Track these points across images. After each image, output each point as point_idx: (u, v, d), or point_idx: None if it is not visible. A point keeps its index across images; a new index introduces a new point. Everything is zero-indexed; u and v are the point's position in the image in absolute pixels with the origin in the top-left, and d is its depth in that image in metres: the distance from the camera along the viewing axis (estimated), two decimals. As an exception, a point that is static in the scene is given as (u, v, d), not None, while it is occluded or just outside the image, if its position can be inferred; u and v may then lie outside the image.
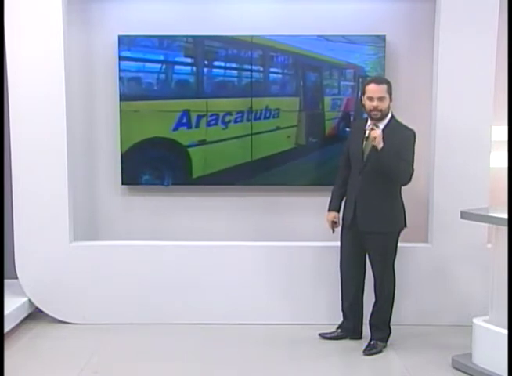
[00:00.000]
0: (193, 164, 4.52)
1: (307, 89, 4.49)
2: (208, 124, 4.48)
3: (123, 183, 4.58)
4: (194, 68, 4.45)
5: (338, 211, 4.04)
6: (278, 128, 4.50)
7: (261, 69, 4.47)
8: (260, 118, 4.48)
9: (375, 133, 3.65)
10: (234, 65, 4.46)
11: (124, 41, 4.42)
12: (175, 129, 4.49)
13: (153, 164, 4.54)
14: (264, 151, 4.52)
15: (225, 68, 4.46)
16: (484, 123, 4.26)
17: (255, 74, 4.46)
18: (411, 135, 3.78)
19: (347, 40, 4.43)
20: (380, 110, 3.72)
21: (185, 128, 4.49)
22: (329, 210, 4.05)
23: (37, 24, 4.17)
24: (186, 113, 4.47)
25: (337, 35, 4.42)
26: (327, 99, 4.49)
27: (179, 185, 4.59)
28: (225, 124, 4.49)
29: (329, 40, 4.42)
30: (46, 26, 4.17)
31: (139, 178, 4.56)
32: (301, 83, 4.49)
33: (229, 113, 4.48)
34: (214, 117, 4.48)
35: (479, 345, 3.60)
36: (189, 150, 4.51)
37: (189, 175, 4.55)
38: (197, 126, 4.48)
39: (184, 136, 4.50)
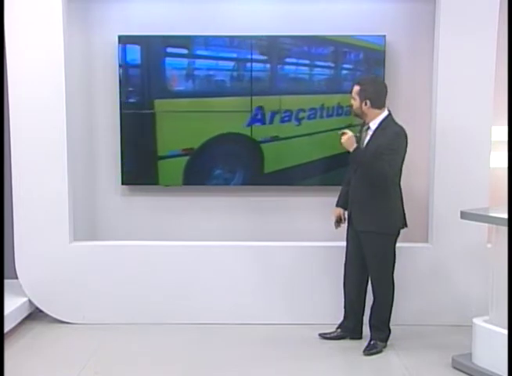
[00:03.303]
0: (265, 160, 4.52)
1: None
2: (282, 121, 4.48)
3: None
4: (268, 65, 4.46)
5: (344, 208, 4.05)
6: (350, 126, 4.34)
7: (333, 65, 4.46)
8: (332, 115, 4.47)
9: (343, 138, 3.73)
10: (307, 62, 4.45)
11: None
12: (249, 125, 4.48)
13: (226, 160, 4.55)
14: (334, 149, 4.43)
15: (297, 65, 4.45)
16: (484, 123, 4.26)
17: (326, 71, 4.46)
18: (395, 135, 3.71)
19: None
20: (354, 109, 3.85)
21: (260, 124, 4.49)
22: (336, 206, 4.10)
23: (37, 24, 4.17)
24: (260, 109, 4.45)
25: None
26: None
27: (249, 185, 4.58)
28: (299, 120, 4.48)
29: None
30: (46, 26, 4.17)
31: (211, 175, 4.55)
32: None
33: (302, 110, 4.47)
34: (287, 114, 4.47)
35: (479, 345, 3.60)
36: (262, 145, 4.51)
37: (260, 171, 4.55)
38: (271, 122, 4.48)
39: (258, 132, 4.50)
